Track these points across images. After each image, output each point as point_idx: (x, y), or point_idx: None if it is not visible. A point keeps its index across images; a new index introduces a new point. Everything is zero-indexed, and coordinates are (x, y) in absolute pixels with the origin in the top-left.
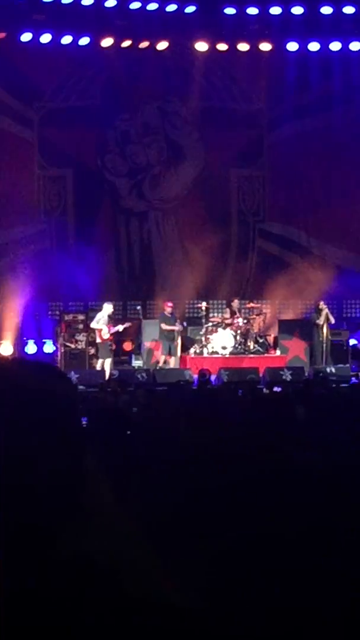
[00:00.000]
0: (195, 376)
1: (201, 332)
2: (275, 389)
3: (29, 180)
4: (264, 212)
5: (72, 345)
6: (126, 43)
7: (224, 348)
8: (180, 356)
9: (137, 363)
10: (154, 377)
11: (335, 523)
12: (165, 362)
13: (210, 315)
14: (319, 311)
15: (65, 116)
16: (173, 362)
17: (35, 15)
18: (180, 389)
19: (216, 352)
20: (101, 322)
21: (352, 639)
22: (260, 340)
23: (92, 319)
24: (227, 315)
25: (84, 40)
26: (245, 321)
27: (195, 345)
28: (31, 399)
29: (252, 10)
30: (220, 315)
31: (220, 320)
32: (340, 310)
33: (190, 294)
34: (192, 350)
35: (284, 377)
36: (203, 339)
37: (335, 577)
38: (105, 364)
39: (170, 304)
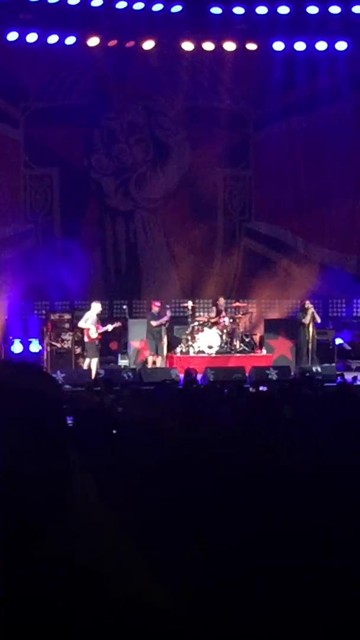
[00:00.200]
0: (182, 375)
1: (187, 332)
2: (261, 388)
3: (15, 179)
4: (250, 212)
5: (59, 345)
6: (112, 42)
7: (210, 347)
8: (167, 355)
9: (123, 362)
10: (140, 376)
11: (326, 521)
12: (153, 362)
13: (197, 314)
14: (304, 310)
15: (52, 115)
16: (159, 362)
17: (21, 15)
18: (167, 389)
19: (202, 352)
20: (89, 321)
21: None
22: (246, 340)
23: (78, 318)
24: (213, 314)
25: (70, 40)
26: (231, 320)
27: (182, 344)
28: (16, 399)
29: (239, 10)
30: (206, 314)
31: (206, 320)
32: (326, 309)
33: (176, 293)
34: (178, 350)
35: (269, 376)
36: (189, 338)
37: (329, 576)
38: (92, 364)
39: (158, 304)
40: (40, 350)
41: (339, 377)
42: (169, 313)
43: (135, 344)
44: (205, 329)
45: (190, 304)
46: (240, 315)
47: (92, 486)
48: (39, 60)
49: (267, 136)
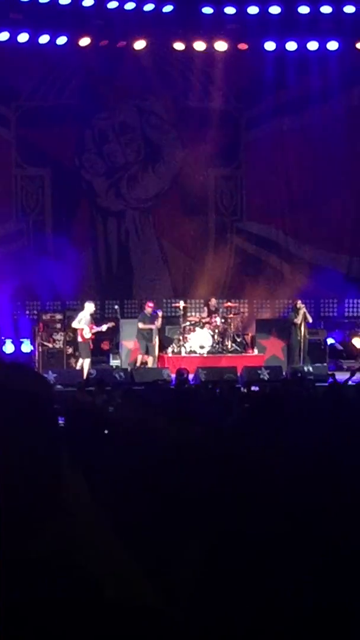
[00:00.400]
0: (173, 375)
1: (179, 332)
2: (253, 388)
3: (7, 179)
4: (241, 211)
5: (50, 345)
6: (104, 42)
7: (201, 347)
8: (158, 355)
9: (115, 362)
10: (131, 376)
11: (319, 520)
12: (143, 362)
13: (188, 314)
14: (296, 310)
15: (43, 115)
16: (151, 362)
17: (12, 15)
18: (158, 388)
19: (194, 352)
20: (83, 321)
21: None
22: (238, 340)
23: (70, 318)
24: (205, 314)
25: (62, 40)
26: (222, 320)
27: (173, 344)
28: (6, 399)
29: (230, 10)
30: (198, 314)
31: (198, 320)
32: (317, 309)
33: (167, 293)
34: (170, 350)
35: (261, 376)
36: (181, 338)
37: (315, 576)
38: (84, 364)
39: (151, 304)
40: (31, 351)
41: (330, 378)
42: (159, 316)
43: (127, 344)
44: (197, 329)
45: (181, 304)
46: (231, 315)
47: (83, 486)
48: (30, 60)
49: (258, 136)
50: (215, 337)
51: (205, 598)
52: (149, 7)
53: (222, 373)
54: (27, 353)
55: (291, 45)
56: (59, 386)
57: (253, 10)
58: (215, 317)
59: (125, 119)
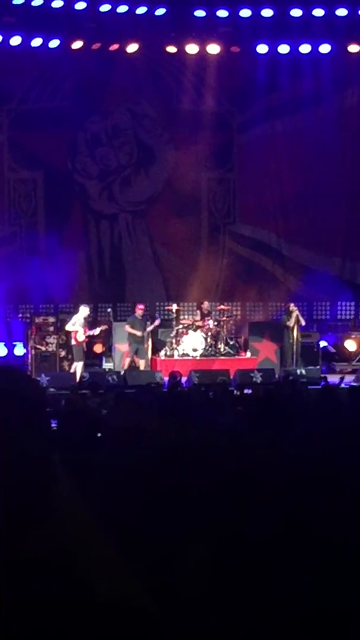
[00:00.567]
0: (166, 378)
1: (172, 334)
2: (246, 391)
3: None
4: (234, 214)
5: (43, 348)
6: (96, 45)
7: (194, 350)
8: (151, 358)
9: (107, 365)
10: (124, 379)
11: (315, 521)
12: (132, 364)
13: (181, 317)
14: (289, 313)
15: (36, 119)
16: (143, 365)
17: (5, 18)
18: (151, 391)
19: (187, 354)
20: (77, 324)
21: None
22: (231, 342)
23: (62, 321)
24: (198, 317)
25: (54, 43)
26: (215, 323)
27: (166, 347)
28: None
29: (222, 13)
30: (190, 317)
31: (190, 323)
32: (310, 312)
33: (160, 296)
34: (162, 353)
35: (254, 379)
36: (174, 341)
37: (315, 576)
38: (77, 367)
39: (142, 306)
40: (24, 354)
41: (322, 381)
42: (156, 323)
43: (120, 347)
44: (190, 331)
45: (174, 307)
46: (224, 318)
47: (76, 488)
48: (22, 64)
49: (250, 138)
50: (208, 340)
51: (205, 598)
52: (141, 10)
53: (215, 376)
54: (20, 356)
55: (284, 48)
56: (51, 389)
57: (245, 13)
58: (208, 320)
59: (117, 122)
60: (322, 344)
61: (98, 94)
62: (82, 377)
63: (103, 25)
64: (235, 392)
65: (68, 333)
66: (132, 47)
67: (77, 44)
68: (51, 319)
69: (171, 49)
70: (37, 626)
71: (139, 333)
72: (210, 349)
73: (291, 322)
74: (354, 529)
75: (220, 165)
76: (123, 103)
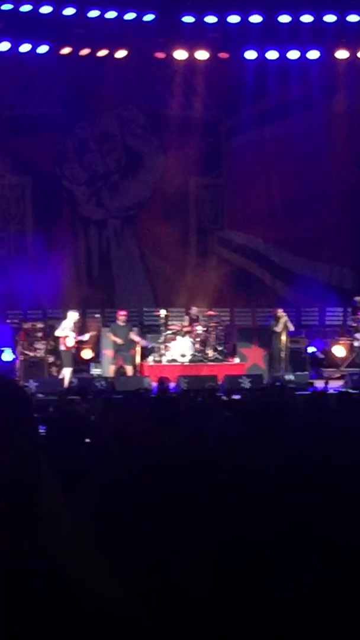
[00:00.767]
0: (155, 384)
1: (160, 340)
2: (234, 396)
3: None
4: (222, 220)
5: (31, 354)
6: (85, 51)
7: (183, 356)
8: (139, 364)
9: (96, 371)
10: (113, 385)
11: (314, 521)
12: (119, 371)
13: (169, 323)
14: (277, 319)
15: (24, 124)
16: (130, 371)
17: None
18: (139, 397)
19: (175, 360)
20: (66, 329)
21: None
22: (219, 348)
23: (51, 327)
24: (186, 323)
25: (43, 49)
26: (204, 329)
27: (154, 353)
28: None
29: (211, 19)
30: (179, 323)
31: (179, 328)
32: (298, 318)
33: (149, 301)
34: (151, 358)
35: (242, 384)
36: (162, 346)
37: (315, 577)
38: (66, 373)
39: (123, 313)
40: (13, 359)
41: (310, 387)
42: (138, 337)
43: (108, 353)
44: (178, 337)
45: (163, 312)
46: (213, 324)
47: (63, 496)
48: (11, 69)
49: (239, 144)
50: (197, 345)
51: (204, 599)
52: (130, 16)
53: (204, 382)
54: (8, 362)
55: (272, 54)
56: (40, 395)
57: (234, 19)
58: (196, 325)
59: (106, 128)
60: (311, 349)
61: (86, 99)
62: (70, 382)
63: (92, 31)
64: (223, 397)
65: (57, 339)
66: (120, 53)
67: (65, 50)
68: (40, 325)
69: (160, 54)
70: (22, 633)
71: (119, 340)
72: (198, 354)
73: (279, 328)
74: (353, 530)
75: (209, 171)
76: (112, 109)
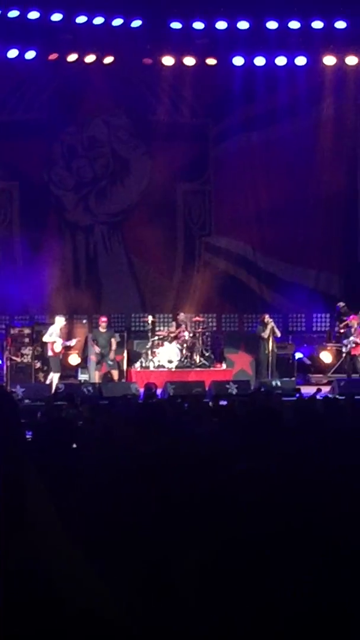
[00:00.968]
0: (142, 390)
1: (147, 346)
2: (221, 402)
3: None
4: (210, 226)
5: (18, 359)
6: (72, 57)
7: (170, 362)
8: (127, 370)
9: (83, 377)
10: (100, 390)
11: (314, 521)
12: (106, 376)
13: (157, 328)
14: (264, 325)
15: (12, 130)
16: (116, 375)
17: None
18: (126, 403)
19: (162, 366)
20: (54, 335)
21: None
22: (206, 354)
23: (38, 332)
24: (174, 328)
25: (30, 54)
26: (191, 335)
27: (142, 358)
28: None
29: (198, 25)
30: (166, 328)
31: (166, 334)
32: (286, 324)
33: (136, 307)
34: (138, 364)
35: (229, 390)
36: (149, 352)
37: (315, 577)
38: (54, 378)
39: (104, 319)
40: (0, 365)
41: (297, 393)
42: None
43: (94, 358)
44: (166, 343)
45: (150, 318)
46: (200, 330)
47: (47, 500)
48: None
49: (226, 150)
50: (184, 351)
51: (205, 599)
52: (117, 22)
53: (191, 387)
54: None
55: (259, 60)
56: (27, 401)
57: (221, 25)
58: (183, 331)
59: (93, 134)
60: (298, 355)
61: (74, 105)
62: (57, 388)
63: (79, 36)
64: (210, 403)
65: (44, 344)
66: (108, 59)
67: (53, 56)
68: (27, 330)
69: (147, 60)
70: (9, 633)
71: (97, 349)
72: (185, 360)
73: (266, 334)
74: (354, 530)
75: (196, 177)
76: (99, 114)
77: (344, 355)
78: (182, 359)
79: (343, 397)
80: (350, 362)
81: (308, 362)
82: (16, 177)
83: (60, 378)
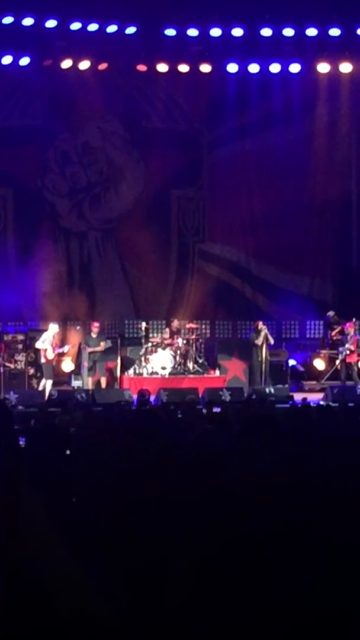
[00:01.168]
0: (135, 396)
1: (141, 353)
2: (215, 409)
3: None
4: (203, 233)
5: (12, 366)
6: (67, 63)
7: (163, 368)
8: (120, 376)
9: (76, 383)
10: (93, 397)
11: (314, 522)
12: (99, 383)
13: (150, 335)
14: (258, 332)
15: (6, 136)
16: (104, 382)
17: None
18: (119, 409)
19: (156, 373)
20: (47, 342)
21: None
22: (200, 361)
23: (32, 339)
24: (167, 335)
25: (25, 61)
26: (184, 341)
27: (135, 365)
28: None
29: (193, 32)
30: (160, 335)
31: (159, 341)
32: (279, 331)
33: (130, 314)
34: (131, 371)
35: (223, 397)
36: (143, 359)
37: (315, 577)
38: (47, 385)
39: (97, 325)
40: None
41: (290, 401)
42: (104, 343)
43: (86, 364)
44: (159, 350)
45: (144, 324)
46: (193, 337)
47: (42, 506)
48: None
49: (220, 157)
50: (177, 358)
51: (205, 599)
52: (112, 28)
53: (184, 394)
54: None
55: (254, 67)
56: (20, 407)
57: (216, 32)
58: (177, 338)
59: (88, 140)
60: (291, 362)
61: (68, 111)
62: (50, 395)
63: (74, 43)
64: (203, 410)
65: (38, 351)
66: (102, 65)
67: (47, 62)
68: (20, 337)
69: (142, 67)
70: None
71: (98, 348)
72: (179, 367)
73: (260, 341)
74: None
75: (190, 184)
76: (93, 121)
77: (338, 362)
78: (176, 366)
79: (336, 405)
80: (346, 370)
81: (301, 369)
82: (10, 183)
83: (53, 384)
